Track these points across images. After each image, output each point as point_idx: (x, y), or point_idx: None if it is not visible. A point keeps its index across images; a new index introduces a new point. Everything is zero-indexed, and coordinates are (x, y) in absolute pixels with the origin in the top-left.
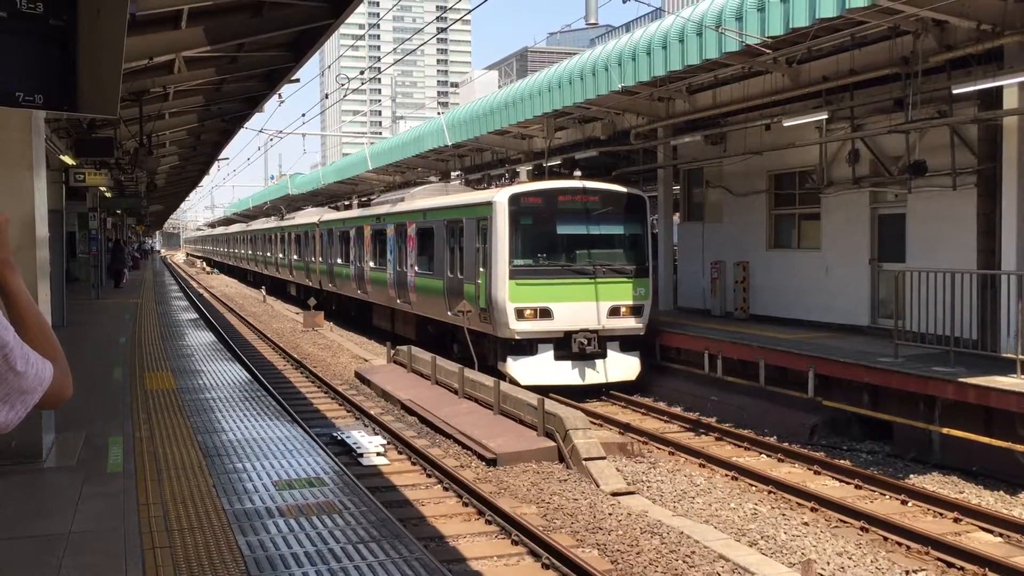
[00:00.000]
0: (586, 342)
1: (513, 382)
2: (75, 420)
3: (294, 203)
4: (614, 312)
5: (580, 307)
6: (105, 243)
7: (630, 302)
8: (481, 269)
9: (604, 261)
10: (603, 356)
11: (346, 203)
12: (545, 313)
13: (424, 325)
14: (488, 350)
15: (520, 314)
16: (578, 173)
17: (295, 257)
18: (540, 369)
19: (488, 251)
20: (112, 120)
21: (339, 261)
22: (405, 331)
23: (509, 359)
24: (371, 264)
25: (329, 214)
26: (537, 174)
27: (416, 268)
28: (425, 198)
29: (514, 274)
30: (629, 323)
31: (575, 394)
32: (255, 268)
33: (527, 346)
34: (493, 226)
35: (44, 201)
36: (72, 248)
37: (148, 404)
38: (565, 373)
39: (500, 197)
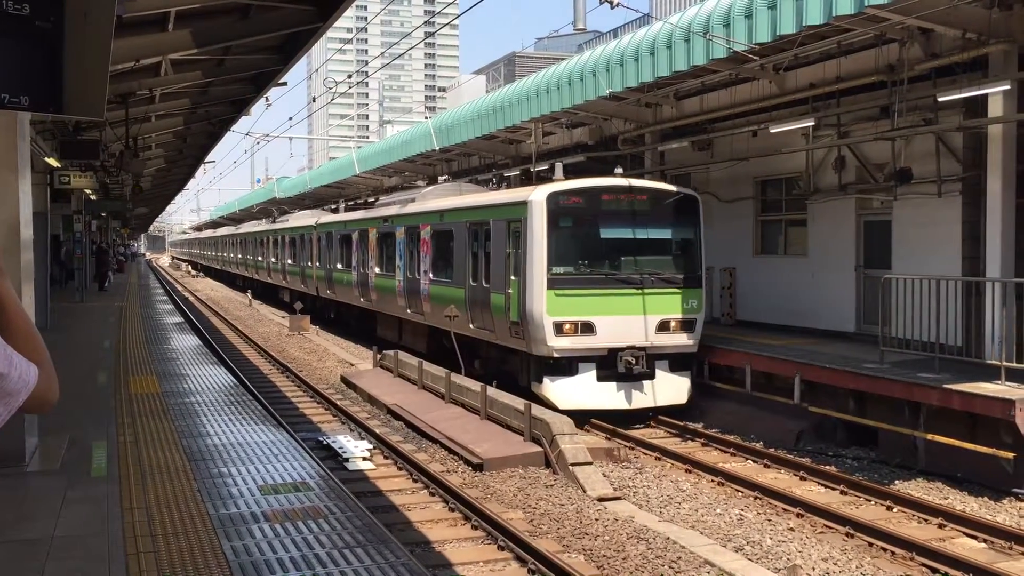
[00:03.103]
0: (634, 361)
1: (550, 406)
2: (59, 424)
3: (280, 207)
4: (663, 327)
5: (626, 321)
6: (90, 246)
7: (681, 316)
8: (512, 277)
9: (652, 269)
10: (651, 377)
11: (332, 207)
12: (587, 328)
13: (439, 338)
14: (519, 368)
15: (559, 329)
16: (619, 170)
17: (289, 262)
18: (581, 391)
19: (522, 257)
20: (98, 122)
21: (339, 266)
22: (415, 343)
23: (546, 380)
24: (377, 270)
25: (327, 216)
26: (524, 179)
27: (431, 275)
28: (439, 198)
29: (553, 283)
30: (680, 339)
31: (617, 419)
32: (245, 273)
33: (566, 365)
34: (528, 229)
35: (29, 204)
36: (57, 251)
37: (132, 408)
38: (609, 396)
39: (537, 196)
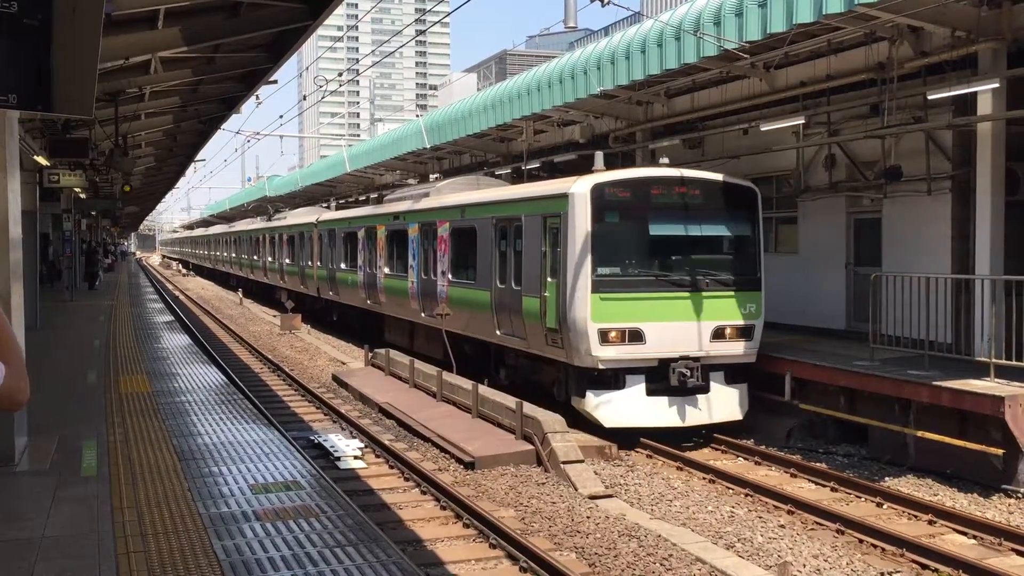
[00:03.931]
0: (688, 372)
1: (594, 424)
2: (48, 423)
3: (276, 204)
4: (718, 334)
5: (678, 328)
6: (79, 245)
7: (738, 322)
8: (549, 279)
9: (707, 270)
10: (706, 390)
11: (325, 204)
12: (635, 336)
13: (457, 344)
14: (555, 381)
15: (604, 337)
16: (665, 160)
17: (287, 261)
18: (629, 407)
19: (561, 257)
20: (87, 120)
21: (343, 266)
22: (430, 349)
23: (589, 394)
24: (386, 270)
25: (330, 213)
26: (516, 177)
27: (450, 276)
28: (457, 193)
29: (598, 286)
30: (737, 348)
31: (666, 437)
32: (239, 272)
33: (611, 378)
34: (569, 225)
35: (18, 202)
36: (44, 250)
37: (123, 407)
38: (661, 412)
39: (579, 188)
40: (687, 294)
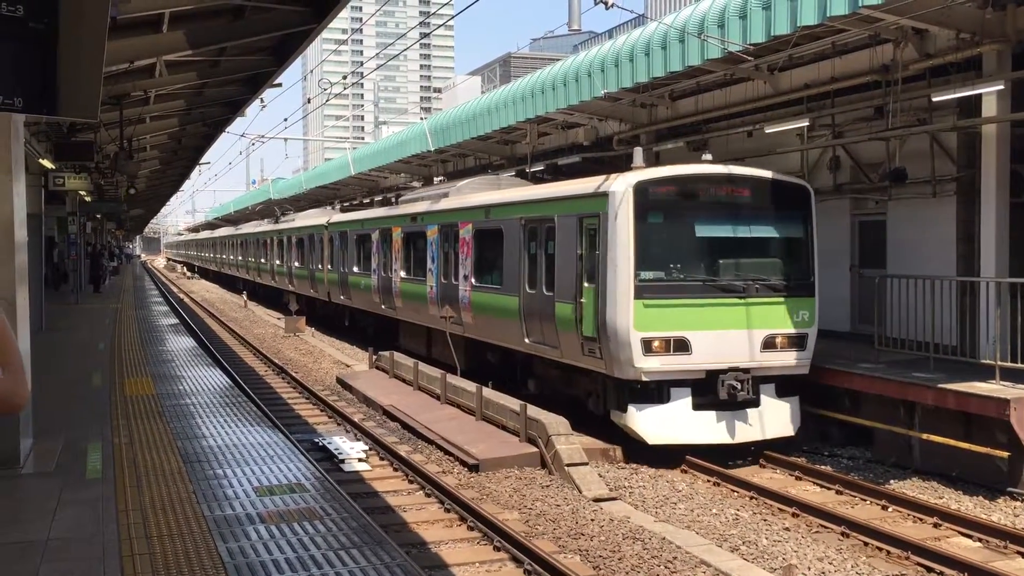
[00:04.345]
0: (738, 385)
1: (636, 439)
2: (53, 426)
3: (284, 206)
4: (769, 344)
5: (726, 337)
6: (84, 248)
7: (791, 330)
8: (586, 284)
9: (757, 274)
10: (756, 404)
11: (331, 206)
12: (681, 345)
13: (480, 352)
14: (592, 393)
15: (648, 346)
16: (708, 156)
17: (296, 264)
18: (675, 422)
19: (600, 260)
20: (92, 124)
21: (355, 269)
22: (448, 356)
23: (632, 408)
24: (402, 274)
25: (341, 214)
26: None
27: (473, 281)
28: (479, 192)
29: (641, 292)
30: (789, 358)
31: (714, 454)
32: (246, 276)
33: (655, 390)
34: (610, 226)
35: (23, 205)
36: (50, 253)
37: (127, 410)
38: (709, 428)
39: (620, 186)
40: (736, 300)
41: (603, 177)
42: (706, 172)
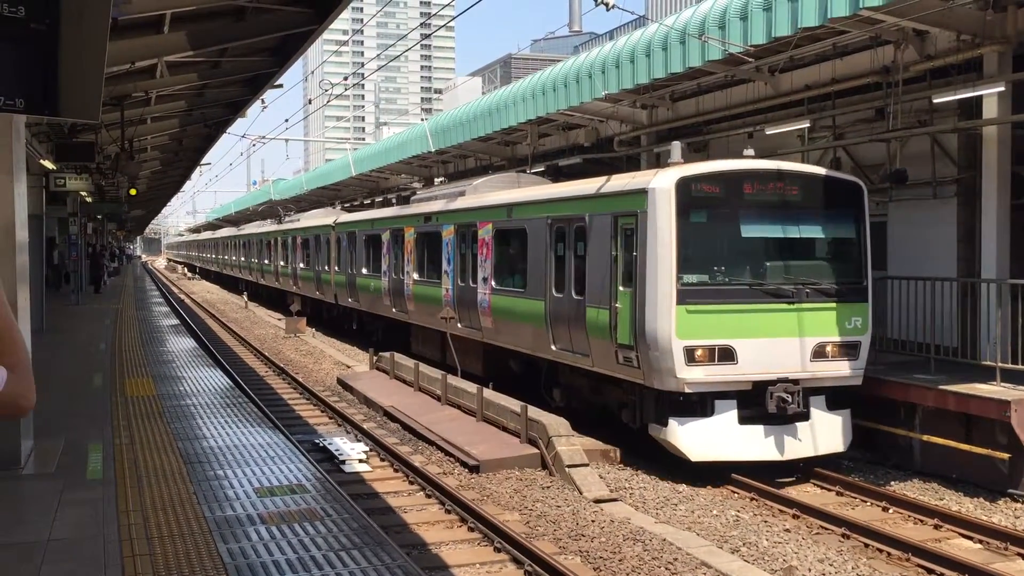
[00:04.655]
0: (788, 398)
1: (677, 455)
2: (54, 427)
3: (287, 206)
4: (819, 353)
5: (774, 345)
6: (85, 248)
7: (843, 337)
8: (621, 288)
9: (807, 277)
10: (806, 417)
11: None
12: (726, 354)
13: (501, 359)
14: (627, 404)
15: (691, 355)
16: (750, 151)
17: (301, 265)
18: (719, 438)
19: (637, 262)
20: (93, 125)
21: (365, 271)
22: (465, 363)
23: (673, 422)
24: (415, 276)
25: (349, 214)
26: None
27: (493, 283)
28: (497, 191)
29: (684, 296)
30: (841, 368)
31: (760, 471)
32: (249, 277)
33: (697, 403)
34: (649, 225)
35: (24, 206)
36: (50, 254)
37: (128, 410)
38: (756, 444)
39: (661, 183)
40: (784, 305)
41: (641, 173)
42: (754, 168)
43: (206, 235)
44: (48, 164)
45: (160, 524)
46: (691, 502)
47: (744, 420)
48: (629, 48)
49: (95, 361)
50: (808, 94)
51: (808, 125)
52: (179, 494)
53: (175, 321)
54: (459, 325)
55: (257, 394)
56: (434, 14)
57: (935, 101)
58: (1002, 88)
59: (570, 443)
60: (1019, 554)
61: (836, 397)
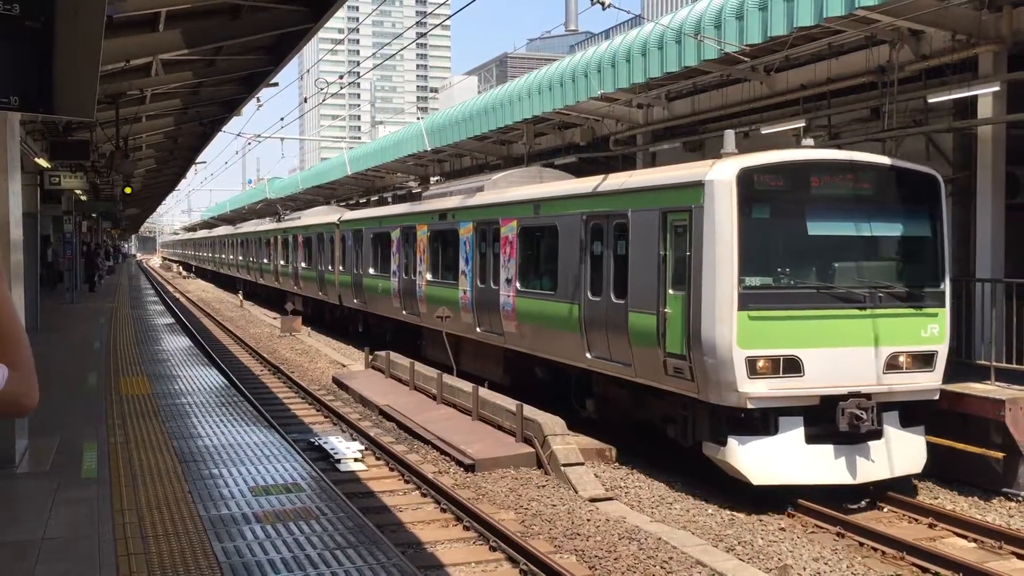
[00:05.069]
0: (861, 414)
1: (738, 477)
2: (49, 426)
3: (286, 203)
4: (893, 363)
5: (844, 356)
6: (80, 247)
7: (919, 347)
8: (671, 291)
9: (880, 280)
10: (880, 436)
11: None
12: (792, 366)
13: (525, 366)
14: (673, 419)
15: (753, 367)
16: (809, 141)
17: (303, 265)
18: (784, 459)
19: (692, 263)
20: (88, 123)
21: (372, 271)
22: (484, 369)
23: (732, 441)
24: (428, 276)
25: (354, 212)
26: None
27: (518, 285)
28: (519, 186)
29: (747, 301)
30: (917, 381)
31: (828, 494)
32: (247, 276)
33: (759, 420)
34: (706, 222)
35: (19, 204)
36: (44, 252)
37: (123, 409)
38: (826, 465)
39: (720, 174)
40: (856, 312)
41: (692, 164)
42: (823, 158)
43: (202, 234)
44: (43, 162)
45: (155, 523)
46: (686, 501)
47: (812, 439)
48: (625, 47)
49: (90, 360)
50: (804, 94)
51: (804, 125)
52: (174, 493)
53: (170, 320)
54: (478, 330)
55: (252, 393)
56: (430, 13)
57: (930, 101)
58: (997, 88)
59: (565, 442)
60: (1013, 553)
61: (910, 412)
